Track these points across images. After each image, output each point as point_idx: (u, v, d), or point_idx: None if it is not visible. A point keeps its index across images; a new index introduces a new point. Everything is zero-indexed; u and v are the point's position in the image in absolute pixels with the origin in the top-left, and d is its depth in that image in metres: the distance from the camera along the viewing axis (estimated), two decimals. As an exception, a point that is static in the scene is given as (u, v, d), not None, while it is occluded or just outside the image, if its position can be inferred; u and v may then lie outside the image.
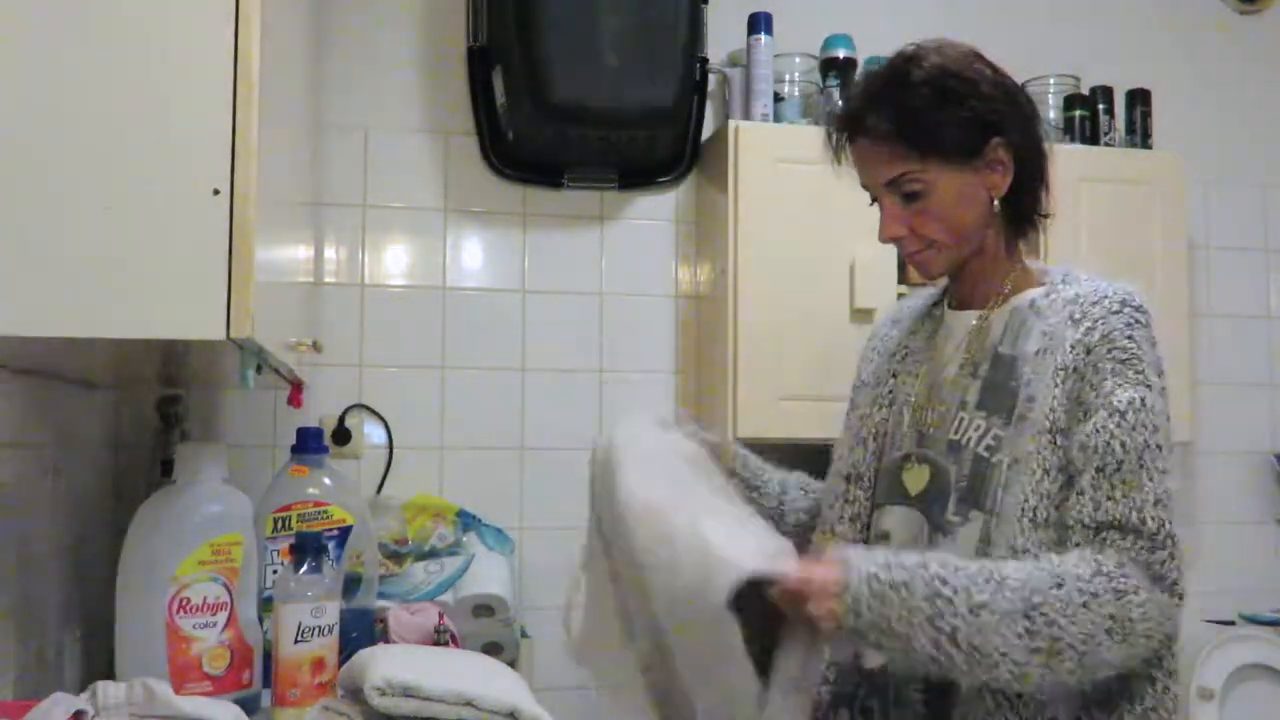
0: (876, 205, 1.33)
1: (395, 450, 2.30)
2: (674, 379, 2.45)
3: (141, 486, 1.95)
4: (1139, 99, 2.58)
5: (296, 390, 1.73)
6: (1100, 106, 2.53)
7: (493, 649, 1.87)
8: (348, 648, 1.43)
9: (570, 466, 2.37)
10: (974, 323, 1.32)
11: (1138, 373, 1.20)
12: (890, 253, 2.29)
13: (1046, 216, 1.37)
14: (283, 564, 1.57)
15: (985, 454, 1.24)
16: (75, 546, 1.65)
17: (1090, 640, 1.10)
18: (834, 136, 1.34)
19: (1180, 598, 1.17)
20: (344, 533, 1.66)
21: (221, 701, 1.27)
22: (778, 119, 2.38)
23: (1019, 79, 2.53)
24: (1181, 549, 1.18)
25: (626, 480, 1.14)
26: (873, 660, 1.30)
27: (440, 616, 1.69)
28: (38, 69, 0.99)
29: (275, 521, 1.63)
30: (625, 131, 2.26)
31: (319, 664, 1.34)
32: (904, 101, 1.26)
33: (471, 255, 2.40)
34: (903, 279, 2.31)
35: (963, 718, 1.21)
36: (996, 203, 1.29)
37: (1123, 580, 1.13)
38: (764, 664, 1.10)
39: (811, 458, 2.43)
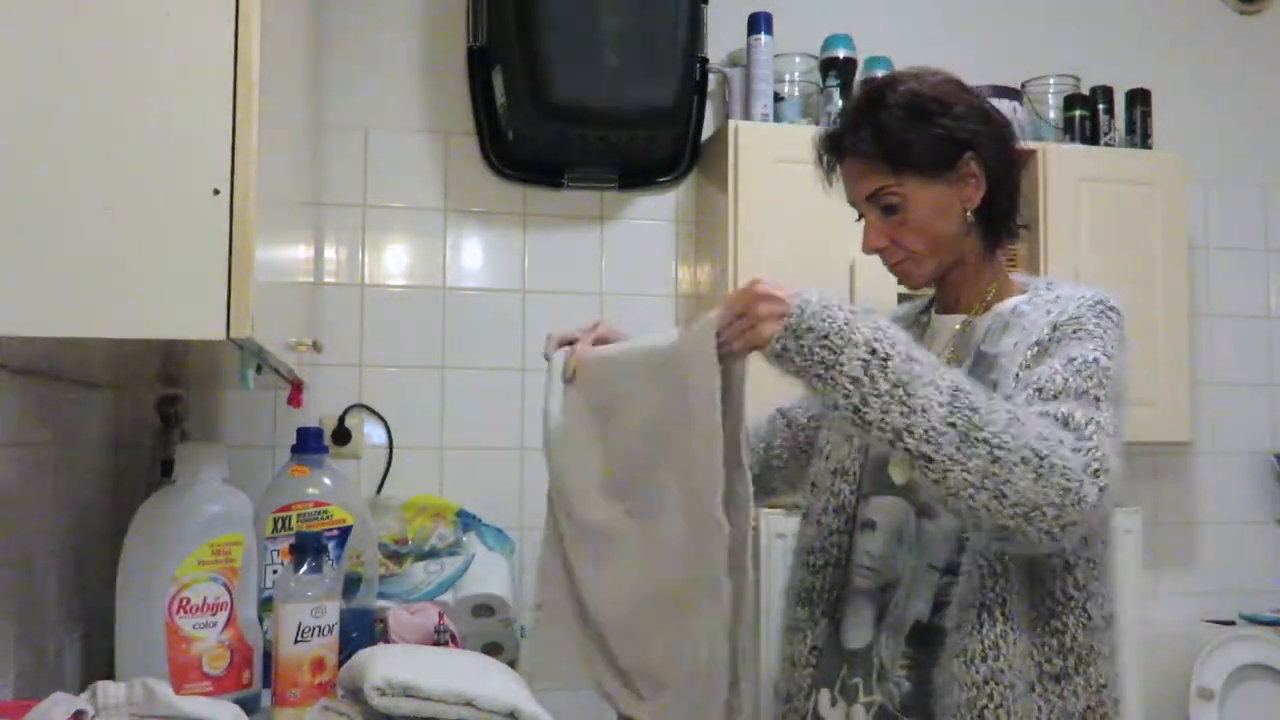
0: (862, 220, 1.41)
1: (395, 450, 2.30)
2: (674, 379, 2.45)
3: (141, 486, 1.95)
4: (1139, 99, 2.59)
5: (296, 390, 1.73)
6: (1100, 106, 2.53)
7: (493, 649, 1.87)
8: (348, 648, 1.43)
9: (570, 466, 2.39)
10: (958, 326, 1.39)
11: (1097, 340, 1.24)
12: (890, 253, 2.30)
13: (1024, 227, 1.43)
14: (283, 564, 1.57)
15: None
16: (75, 546, 1.65)
17: (1004, 449, 1.10)
18: (824, 158, 1.43)
19: (1099, 490, 1.13)
20: (344, 533, 1.66)
21: (221, 701, 1.27)
22: (778, 119, 2.38)
23: (1019, 79, 2.56)
24: (1107, 450, 1.15)
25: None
26: (855, 641, 1.35)
27: (440, 616, 1.69)
28: (38, 69, 0.99)
29: (275, 521, 1.63)
30: (625, 131, 2.26)
31: (319, 664, 1.34)
32: (880, 121, 1.34)
33: (471, 255, 2.40)
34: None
35: (944, 694, 1.24)
36: (971, 214, 1.35)
37: (1050, 431, 1.14)
38: None
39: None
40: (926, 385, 1.12)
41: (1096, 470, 1.14)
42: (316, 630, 1.34)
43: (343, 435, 2.27)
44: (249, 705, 1.37)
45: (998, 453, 1.10)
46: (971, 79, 2.51)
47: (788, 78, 2.44)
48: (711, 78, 2.47)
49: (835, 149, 1.40)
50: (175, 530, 1.39)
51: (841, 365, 1.13)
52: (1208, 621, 2.65)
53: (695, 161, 2.47)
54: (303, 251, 1.75)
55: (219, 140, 1.02)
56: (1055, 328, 1.26)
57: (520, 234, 2.42)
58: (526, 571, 2.32)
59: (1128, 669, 2.36)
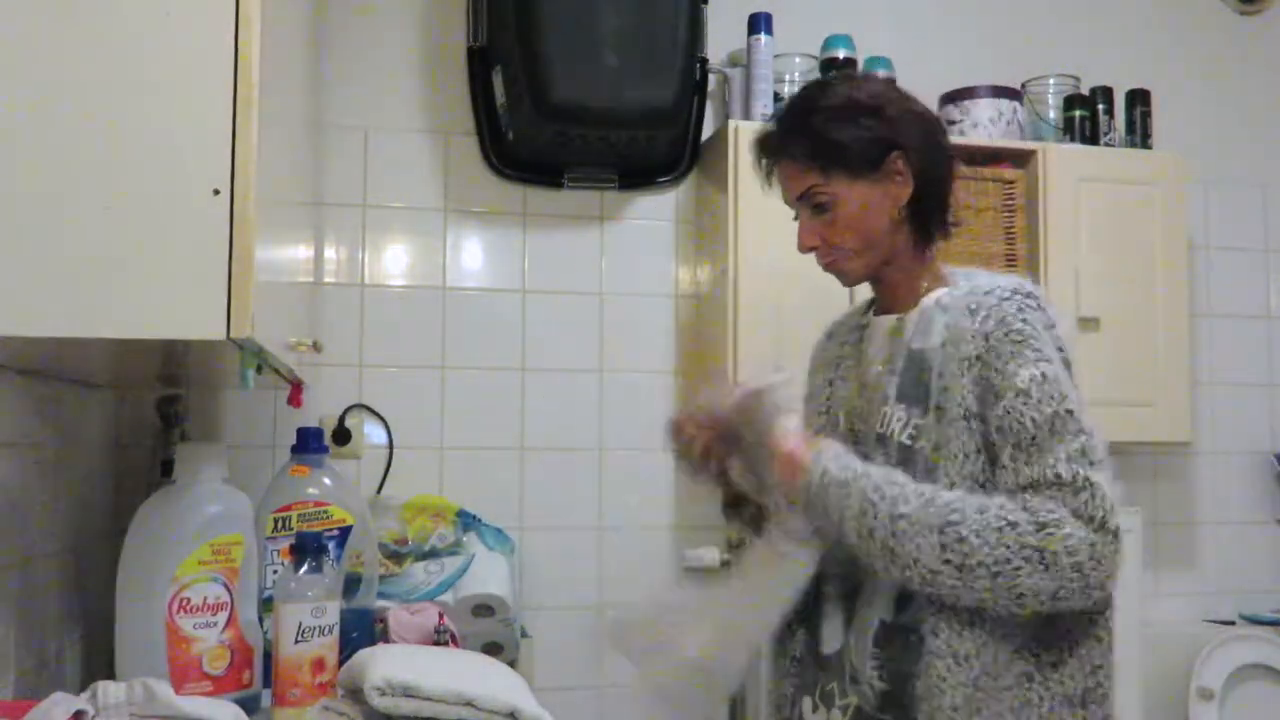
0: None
1: (395, 450, 2.30)
2: (674, 379, 2.45)
3: (141, 486, 1.95)
4: (1139, 99, 2.59)
5: (296, 390, 1.73)
6: (1100, 106, 2.53)
7: (493, 649, 1.87)
8: (348, 648, 1.43)
9: (570, 466, 2.39)
10: (890, 325, 1.43)
11: (1034, 350, 1.28)
12: (890, 253, 2.30)
13: (955, 224, 1.47)
14: (283, 564, 1.57)
15: (909, 442, 1.34)
16: (75, 546, 1.65)
17: (1005, 563, 1.19)
18: (761, 160, 1.46)
19: (1113, 534, 1.24)
20: (344, 533, 1.66)
21: (221, 701, 1.27)
22: (778, 119, 2.38)
23: (1019, 79, 2.56)
24: (1104, 491, 1.25)
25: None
26: (829, 647, 1.40)
27: (440, 616, 1.69)
28: (38, 69, 0.99)
29: (275, 521, 1.63)
30: (625, 131, 2.26)
31: (319, 664, 1.34)
32: (810, 124, 1.39)
33: (471, 255, 2.40)
34: (903, 279, 2.31)
35: (932, 696, 1.26)
36: (901, 211, 1.39)
37: (1046, 515, 1.21)
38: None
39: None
40: (915, 536, 1.22)
41: (1103, 520, 1.23)
42: (316, 630, 1.34)
43: (343, 435, 2.27)
44: (249, 705, 1.37)
45: (996, 568, 1.19)
46: (971, 79, 2.55)
47: (788, 78, 2.44)
48: (711, 78, 2.47)
49: (771, 151, 1.44)
50: (175, 530, 1.39)
51: (845, 534, 1.28)
52: (1208, 621, 2.65)
53: (695, 161, 2.47)
54: (303, 251, 1.75)
55: (219, 140, 1.02)
56: (987, 339, 1.29)
57: (520, 234, 2.42)
58: (526, 571, 2.33)
59: (1128, 669, 2.37)
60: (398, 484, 2.28)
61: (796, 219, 1.44)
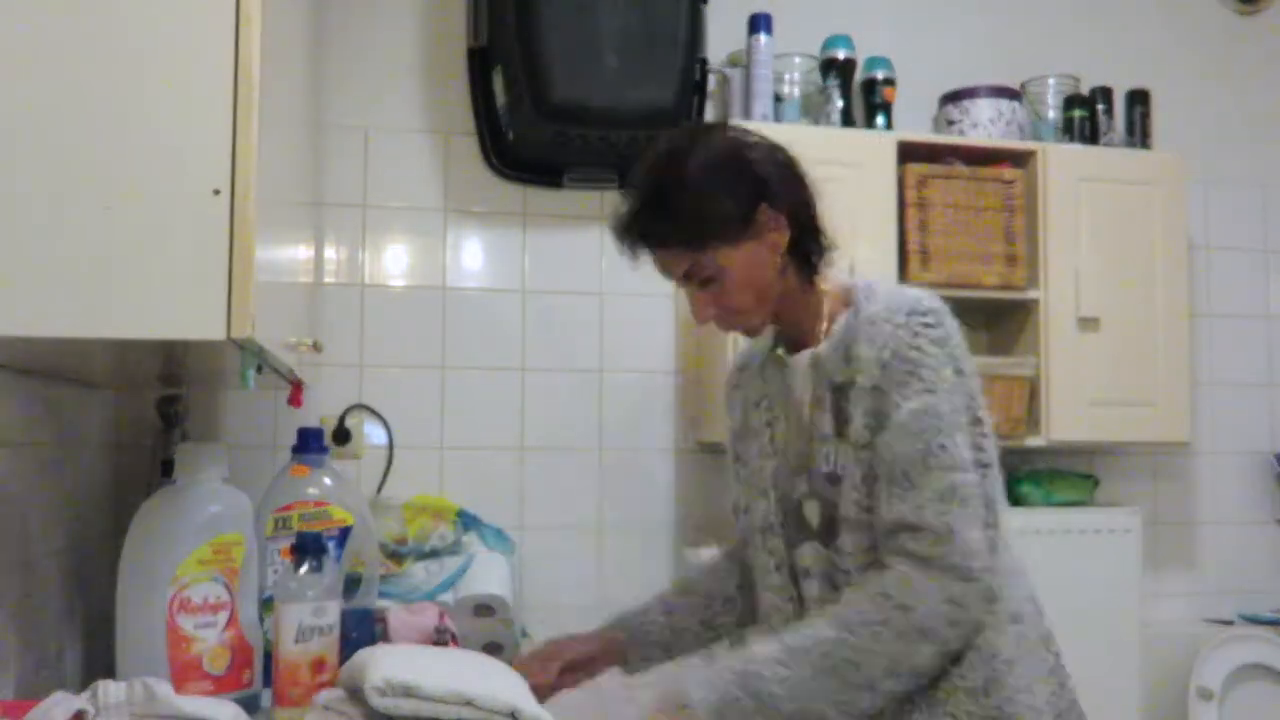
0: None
1: (395, 450, 2.30)
2: (674, 379, 2.45)
3: (141, 486, 1.95)
4: (1139, 99, 2.59)
5: (296, 390, 1.73)
6: (1100, 106, 2.53)
7: (493, 649, 1.87)
8: (348, 648, 1.43)
9: (570, 466, 2.39)
10: (808, 363, 1.41)
11: (921, 380, 1.28)
12: (890, 253, 2.31)
13: (831, 248, 1.44)
14: (283, 564, 1.57)
15: (841, 475, 1.35)
16: (75, 546, 1.65)
17: (897, 662, 1.23)
18: (626, 246, 1.44)
19: (979, 579, 1.24)
20: (344, 533, 1.66)
21: (222, 701, 1.26)
22: (778, 119, 2.38)
23: (1019, 79, 2.57)
24: (967, 537, 1.24)
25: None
26: None
27: (440, 616, 1.69)
28: (38, 69, 0.99)
29: (276, 521, 1.63)
30: (625, 131, 2.26)
31: (319, 664, 1.34)
32: (669, 207, 1.36)
33: (471, 255, 2.40)
34: (903, 279, 2.31)
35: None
36: (782, 256, 1.38)
37: (906, 594, 1.24)
38: None
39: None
40: (817, 694, 1.23)
41: (965, 570, 1.23)
42: (316, 630, 1.34)
43: (343, 435, 2.27)
44: (249, 705, 1.37)
45: (893, 669, 1.23)
46: (971, 79, 2.55)
47: (788, 78, 2.44)
48: (711, 78, 2.47)
49: (637, 240, 1.41)
50: (175, 530, 1.39)
51: None
52: (1207, 621, 2.65)
53: (695, 161, 2.47)
54: (303, 251, 1.75)
55: (219, 140, 1.02)
56: (884, 368, 1.30)
57: (520, 234, 2.42)
58: (526, 571, 2.33)
59: (1128, 669, 2.38)
60: (398, 484, 2.28)
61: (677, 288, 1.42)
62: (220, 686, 1.37)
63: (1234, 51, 2.86)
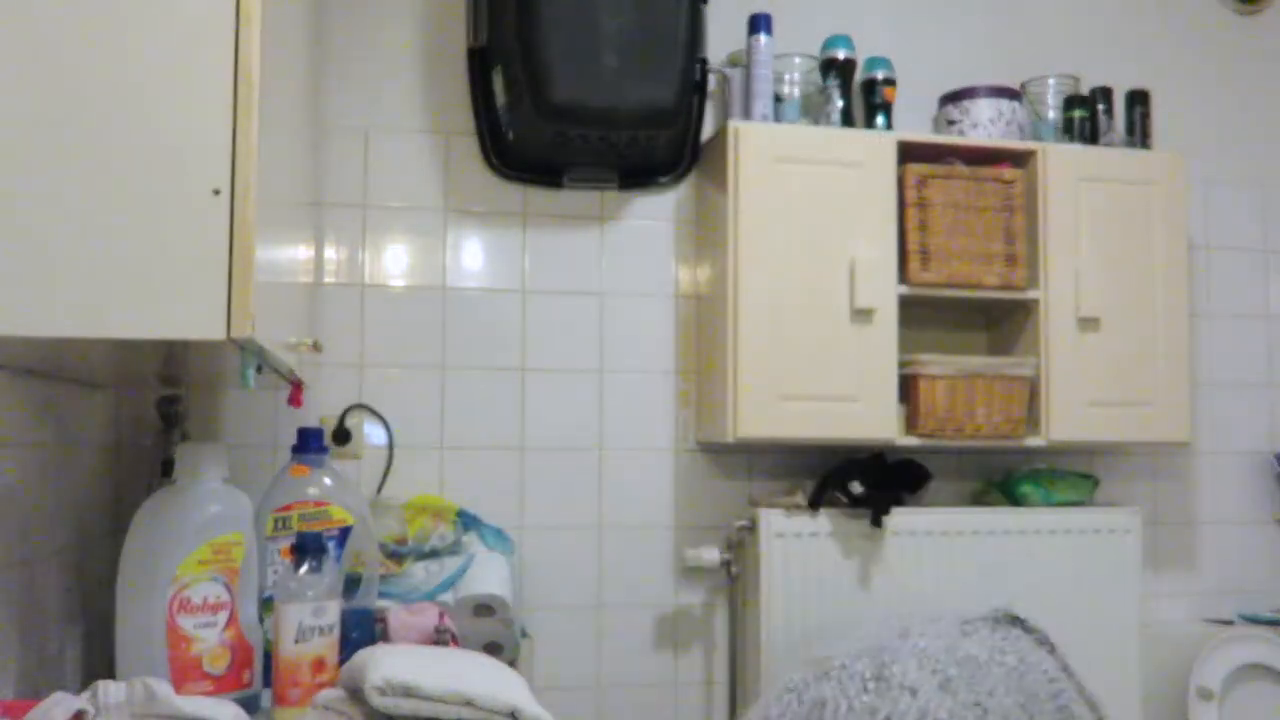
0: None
1: (395, 450, 2.30)
2: (674, 379, 2.45)
3: (141, 486, 1.95)
4: (1139, 99, 2.59)
5: (296, 390, 1.73)
6: (1100, 106, 2.53)
7: (493, 649, 1.87)
8: (348, 648, 1.43)
9: (570, 466, 2.39)
10: None
11: None
12: (890, 253, 2.31)
13: None
14: (283, 564, 1.57)
15: None
16: (75, 546, 1.65)
17: None
18: None
19: None
20: (344, 533, 1.66)
21: (222, 701, 1.26)
22: (778, 119, 2.38)
23: (1019, 79, 2.57)
24: None
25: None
26: None
27: (440, 616, 1.69)
28: (38, 69, 0.99)
29: (276, 521, 1.63)
30: (625, 131, 2.26)
31: (319, 664, 1.34)
32: None
33: (471, 255, 2.40)
34: (903, 279, 2.31)
35: None
36: None
37: None
38: None
39: (812, 457, 2.44)
40: None
41: None
42: (316, 630, 1.34)
43: (343, 435, 2.27)
44: (249, 705, 1.37)
45: None
46: (971, 79, 2.55)
47: (788, 78, 2.44)
48: (711, 78, 2.47)
49: None
50: (175, 530, 1.39)
51: None
52: (1207, 621, 2.65)
53: (695, 162, 2.47)
54: (303, 251, 1.75)
55: (219, 140, 1.02)
56: None
57: (520, 234, 2.42)
58: (526, 571, 2.33)
59: (1128, 669, 2.38)
60: (398, 484, 2.28)
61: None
62: (220, 686, 1.37)
63: (1234, 51, 2.86)
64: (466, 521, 2.16)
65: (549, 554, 2.35)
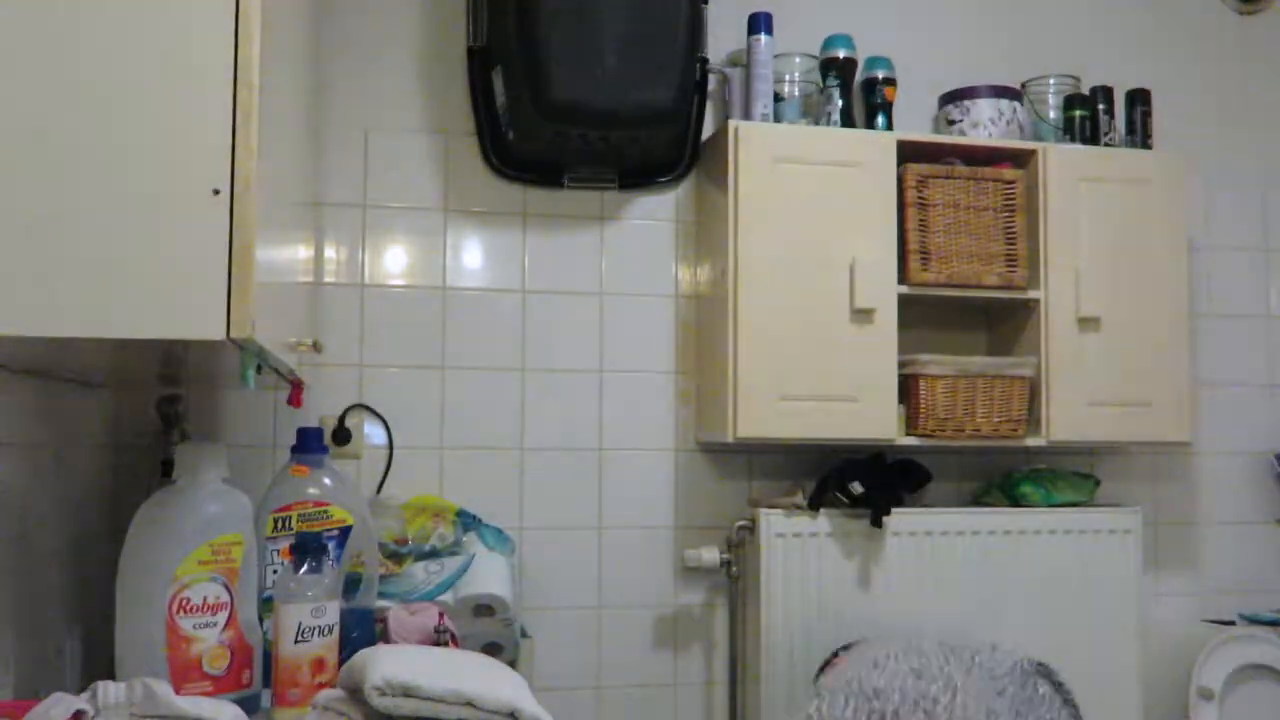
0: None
1: (395, 450, 2.30)
2: (674, 379, 2.45)
3: (141, 486, 1.95)
4: (1139, 99, 2.59)
5: (296, 390, 1.73)
6: (1100, 106, 2.53)
7: (493, 649, 1.87)
8: (348, 648, 1.43)
9: (570, 466, 2.39)
10: None
11: None
12: (890, 253, 2.31)
13: None
14: (283, 564, 1.57)
15: None
16: (75, 546, 1.65)
17: None
18: None
19: None
20: (344, 533, 1.66)
21: (221, 701, 1.27)
22: (778, 119, 2.38)
23: (1019, 79, 2.57)
24: None
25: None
26: None
27: (440, 616, 1.69)
28: (38, 70, 0.99)
29: (275, 521, 1.63)
30: (625, 131, 2.26)
31: (319, 664, 1.34)
32: None
33: (471, 255, 2.40)
34: (903, 279, 2.31)
35: None
36: None
37: None
38: None
39: (811, 457, 2.44)
40: None
41: None
42: (316, 630, 1.34)
43: (343, 435, 2.27)
44: (249, 705, 1.37)
45: None
46: (971, 79, 2.55)
47: (788, 78, 2.44)
48: (711, 78, 2.47)
49: None
50: (175, 530, 1.39)
51: None
52: (1207, 621, 2.65)
53: (695, 161, 2.47)
54: (303, 251, 1.75)
55: (219, 140, 1.02)
56: None
57: (520, 234, 2.42)
58: (526, 571, 2.33)
59: (1128, 669, 2.38)
60: (398, 484, 2.28)
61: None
62: (220, 686, 1.37)
63: (1234, 52, 2.86)
64: (466, 521, 2.16)
65: (549, 554, 2.35)
